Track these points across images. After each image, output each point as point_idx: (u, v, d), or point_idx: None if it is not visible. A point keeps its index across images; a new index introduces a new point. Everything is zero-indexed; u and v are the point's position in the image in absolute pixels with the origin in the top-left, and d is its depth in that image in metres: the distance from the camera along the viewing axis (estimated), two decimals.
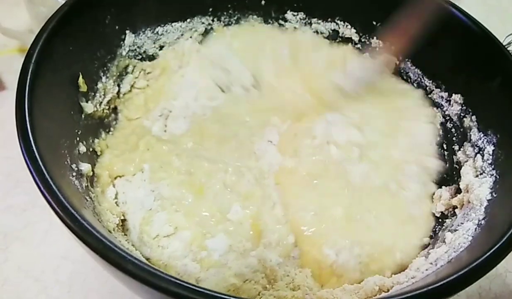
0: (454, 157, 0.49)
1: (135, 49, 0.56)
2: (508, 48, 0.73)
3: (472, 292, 0.49)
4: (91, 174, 0.44)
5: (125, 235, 0.42)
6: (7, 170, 0.54)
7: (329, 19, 0.62)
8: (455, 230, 0.40)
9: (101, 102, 0.50)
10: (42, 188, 0.30)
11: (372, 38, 0.60)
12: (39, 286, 0.46)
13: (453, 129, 0.51)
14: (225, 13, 0.61)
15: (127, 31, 0.54)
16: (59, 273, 0.47)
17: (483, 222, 0.37)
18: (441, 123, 0.53)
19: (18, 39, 0.69)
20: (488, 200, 0.39)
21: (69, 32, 0.44)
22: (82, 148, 0.44)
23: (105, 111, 0.51)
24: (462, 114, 0.50)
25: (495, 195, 0.39)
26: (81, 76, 0.46)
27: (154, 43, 0.58)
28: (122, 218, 0.44)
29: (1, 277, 0.46)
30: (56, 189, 0.30)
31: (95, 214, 0.38)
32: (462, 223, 0.40)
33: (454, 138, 0.50)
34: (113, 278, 0.31)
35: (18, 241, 0.49)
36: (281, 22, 0.63)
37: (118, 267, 0.27)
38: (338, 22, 0.61)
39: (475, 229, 0.37)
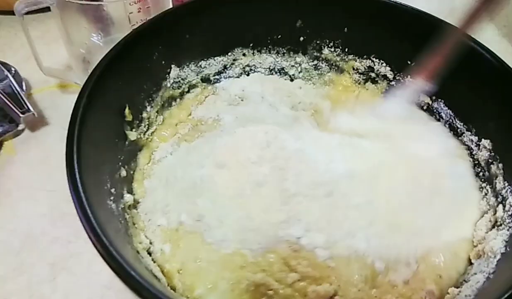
0: None
1: (179, 81, 0.61)
2: None
3: None
4: (132, 203, 0.49)
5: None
6: (52, 203, 0.55)
7: (365, 56, 0.64)
8: (467, 281, 0.40)
9: (145, 132, 0.56)
10: (82, 218, 0.34)
11: (406, 76, 0.61)
12: None
13: (480, 174, 0.51)
14: (264, 48, 0.65)
15: (172, 66, 0.59)
16: None
17: (492, 275, 0.37)
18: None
19: (57, 77, 0.71)
20: (502, 253, 0.39)
21: (119, 68, 0.50)
22: (123, 172, 0.49)
23: (148, 140, 0.56)
24: (490, 160, 0.49)
25: (509, 249, 0.39)
26: (127, 107, 0.52)
27: (197, 75, 0.63)
28: None
29: None
30: (93, 218, 0.34)
31: (127, 235, 0.42)
32: (475, 273, 0.40)
33: (480, 185, 0.50)
34: None
35: (64, 271, 0.51)
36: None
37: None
38: (374, 59, 0.63)
39: (483, 282, 0.37)
